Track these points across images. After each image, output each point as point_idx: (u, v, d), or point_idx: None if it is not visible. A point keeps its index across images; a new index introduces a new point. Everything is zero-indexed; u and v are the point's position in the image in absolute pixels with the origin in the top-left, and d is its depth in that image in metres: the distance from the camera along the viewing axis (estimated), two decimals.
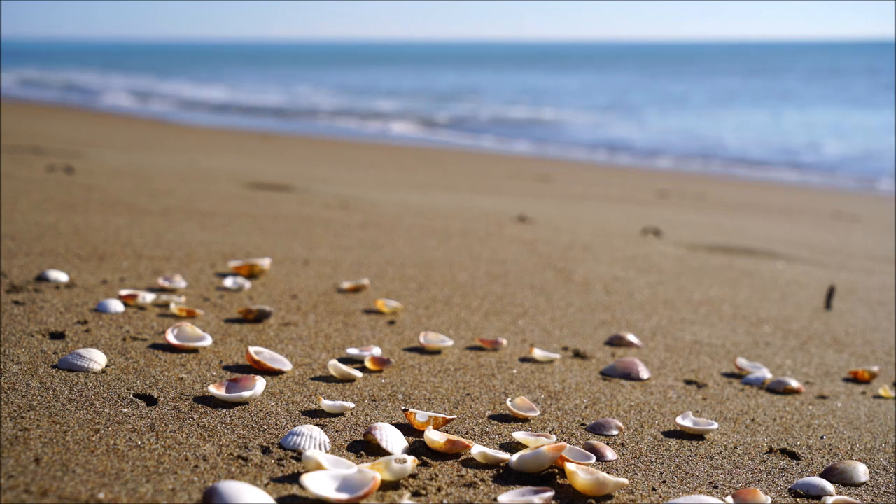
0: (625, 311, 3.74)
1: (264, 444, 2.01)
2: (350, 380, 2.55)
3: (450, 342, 2.97)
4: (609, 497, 1.91)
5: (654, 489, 1.99)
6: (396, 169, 10.88)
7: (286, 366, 2.57)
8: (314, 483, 1.74)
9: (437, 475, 1.93)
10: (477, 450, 2.03)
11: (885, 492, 2.11)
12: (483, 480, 1.93)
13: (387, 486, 1.84)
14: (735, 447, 2.31)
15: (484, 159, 14.06)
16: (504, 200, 7.70)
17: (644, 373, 2.85)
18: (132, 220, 4.75)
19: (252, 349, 2.55)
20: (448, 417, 2.20)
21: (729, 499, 1.92)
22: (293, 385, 2.46)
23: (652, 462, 2.16)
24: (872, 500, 2.06)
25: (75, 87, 31.63)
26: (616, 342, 3.21)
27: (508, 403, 2.38)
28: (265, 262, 3.74)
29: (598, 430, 2.33)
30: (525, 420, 2.36)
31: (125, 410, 2.12)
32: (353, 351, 2.76)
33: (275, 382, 2.46)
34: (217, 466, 1.86)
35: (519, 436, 2.17)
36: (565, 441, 2.24)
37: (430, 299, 3.62)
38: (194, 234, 4.54)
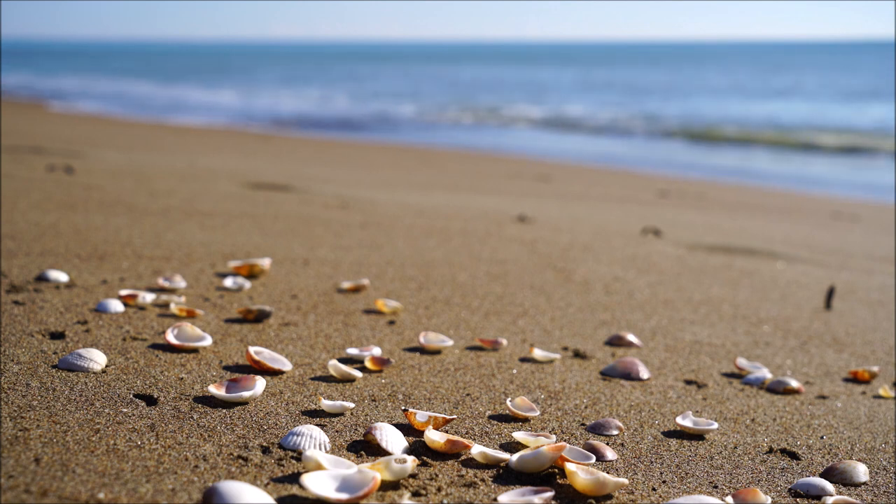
0: (625, 311, 3.74)
1: (264, 444, 2.01)
2: (350, 380, 2.55)
3: (450, 342, 2.97)
4: (609, 497, 1.91)
5: (654, 489, 1.99)
6: (396, 169, 10.88)
7: (286, 366, 2.57)
8: (314, 483, 1.74)
9: (437, 475, 1.93)
10: (477, 450, 2.03)
11: (885, 492, 2.11)
12: (483, 480, 1.93)
13: (387, 486, 1.84)
14: (735, 447, 2.31)
15: (484, 159, 14.05)
16: (504, 200, 7.70)
17: (644, 373, 2.85)
18: (132, 220, 4.75)
19: (252, 349, 2.55)
20: (448, 417, 2.20)
21: (729, 499, 1.92)
22: (293, 385, 2.46)
23: (652, 462, 2.16)
24: (872, 500, 2.06)
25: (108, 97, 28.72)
26: (616, 342, 3.21)
27: (508, 403, 2.38)
28: (265, 262, 3.74)
29: (598, 430, 2.33)
30: (525, 420, 2.36)
31: (125, 410, 2.12)
32: (353, 351, 2.76)
33: (275, 382, 2.46)
34: (217, 466, 1.86)
35: (519, 436, 2.17)
36: (565, 441, 2.24)
37: (430, 299, 3.62)
38: (194, 234, 4.54)
